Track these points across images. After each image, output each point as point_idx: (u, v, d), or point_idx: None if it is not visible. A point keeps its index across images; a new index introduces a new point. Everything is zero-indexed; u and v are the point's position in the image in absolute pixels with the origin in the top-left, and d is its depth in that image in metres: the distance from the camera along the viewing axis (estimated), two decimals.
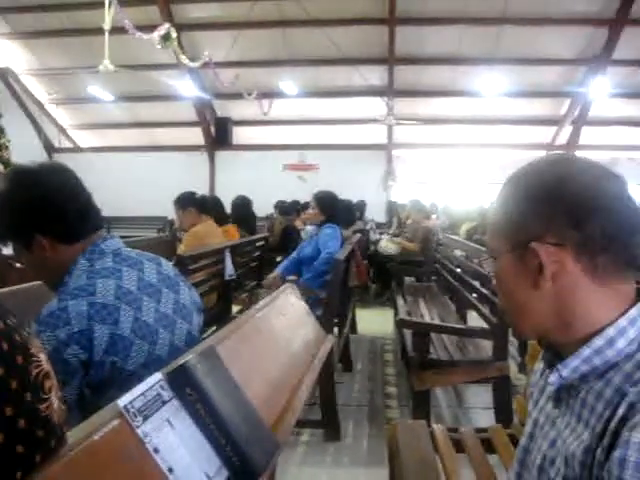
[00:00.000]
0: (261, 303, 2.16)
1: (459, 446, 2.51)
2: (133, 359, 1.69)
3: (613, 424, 0.93)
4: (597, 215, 1.02)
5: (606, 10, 14.40)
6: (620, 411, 0.92)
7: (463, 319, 5.56)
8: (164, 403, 1.19)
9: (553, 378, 1.08)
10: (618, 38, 14.72)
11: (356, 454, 3.97)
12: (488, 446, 2.51)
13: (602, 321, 1.03)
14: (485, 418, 4.23)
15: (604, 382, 1.01)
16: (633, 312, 1.03)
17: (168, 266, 1.99)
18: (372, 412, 4.72)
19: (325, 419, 4.17)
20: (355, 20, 14.81)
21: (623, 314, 1.03)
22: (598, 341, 1.02)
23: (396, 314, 5.56)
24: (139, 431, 1.08)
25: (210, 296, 5.13)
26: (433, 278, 7.40)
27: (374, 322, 7.56)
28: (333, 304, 4.29)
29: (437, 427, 2.60)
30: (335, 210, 5.64)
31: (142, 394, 1.14)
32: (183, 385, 1.25)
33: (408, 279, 7.91)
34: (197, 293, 2.12)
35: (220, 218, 6.22)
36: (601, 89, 15.54)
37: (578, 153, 16.32)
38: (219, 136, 18.50)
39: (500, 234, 1.14)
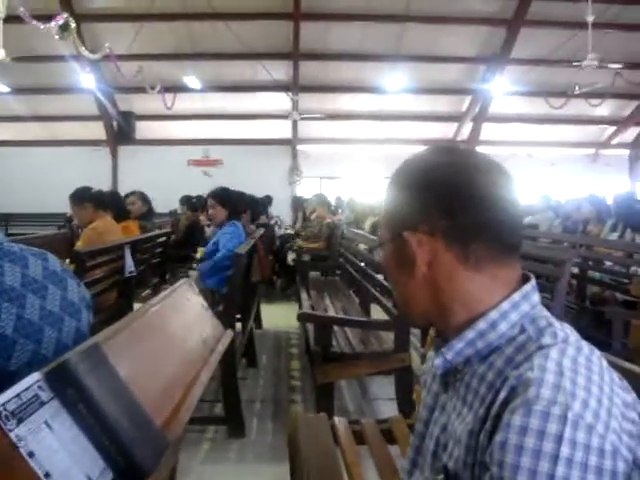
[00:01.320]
0: (155, 299, 2.10)
1: (360, 438, 2.51)
2: (16, 359, 1.60)
3: (495, 408, 0.93)
4: (467, 204, 1.04)
5: (504, 10, 14.89)
6: (502, 395, 0.92)
7: (366, 312, 5.61)
8: (42, 404, 1.14)
9: (438, 362, 1.09)
10: (516, 38, 15.25)
11: (260, 450, 3.94)
12: (389, 437, 2.53)
13: (482, 306, 1.05)
14: (389, 409, 4.26)
15: (487, 365, 1.02)
16: (516, 296, 1.05)
17: (55, 261, 1.90)
18: (277, 407, 4.71)
19: (229, 415, 4.13)
20: (260, 14, 14.71)
21: (506, 298, 1.04)
22: (481, 324, 1.03)
23: (301, 308, 5.55)
24: (12, 435, 1.02)
25: (110, 293, 5.00)
26: (338, 272, 7.45)
27: (280, 317, 7.54)
28: (234, 299, 4.25)
29: (338, 420, 2.60)
30: (237, 204, 5.58)
31: (17, 396, 1.08)
32: (64, 385, 1.19)
33: (314, 273, 7.94)
34: (86, 289, 2.04)
35: (119, 214, 6.05)
36: (500, 87, 16.04)
37: (479, 149, 16.76)
38: (121, 131, 18.04)
39: (384, 224, 1.16)
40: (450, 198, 1.05)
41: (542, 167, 18.84)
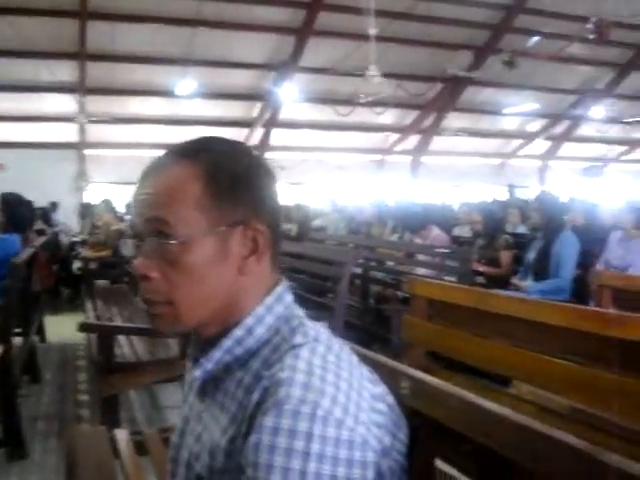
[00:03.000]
0: None
1: (142, 448, 2.47)
2: None
3: (250, 410, 0.94)
4: (276, 202, 1.09)
5: (294, 19, 15.37)
6: (255, 396, 0.94)
7: None
8: None
9: (198, 372, 1.07)
10: (304, 47, 15.74)
11: (44, 471, 3.73)
12: None
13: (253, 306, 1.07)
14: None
15: (245, 370, 1.02)
16: (269, 300, 1.07)
17: None
18: (62, 424, 4.47)
19: (8, 437, 3.88)
20: (43, 11, 13.91)
21: (260, 302, 1.06)
22: (238, 331, 1.04)
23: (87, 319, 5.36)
24: None
25: None
26: (126, 280, 7.28)
27: (66, 328, 7.14)
28: (11, 312, 4.01)
29: (119, 431, 2.53)
30: (16, 212, 5.25)
31: None
32: None
33: (102, 282, 7.71)
34: None
35: None
36: (289, 94, 16.48)
37: (270, 154, 17.20)
38: None
39: (192, 213, 1.02)
40: (272, 194, 1.08)
41: (331, 172, 19.55)
